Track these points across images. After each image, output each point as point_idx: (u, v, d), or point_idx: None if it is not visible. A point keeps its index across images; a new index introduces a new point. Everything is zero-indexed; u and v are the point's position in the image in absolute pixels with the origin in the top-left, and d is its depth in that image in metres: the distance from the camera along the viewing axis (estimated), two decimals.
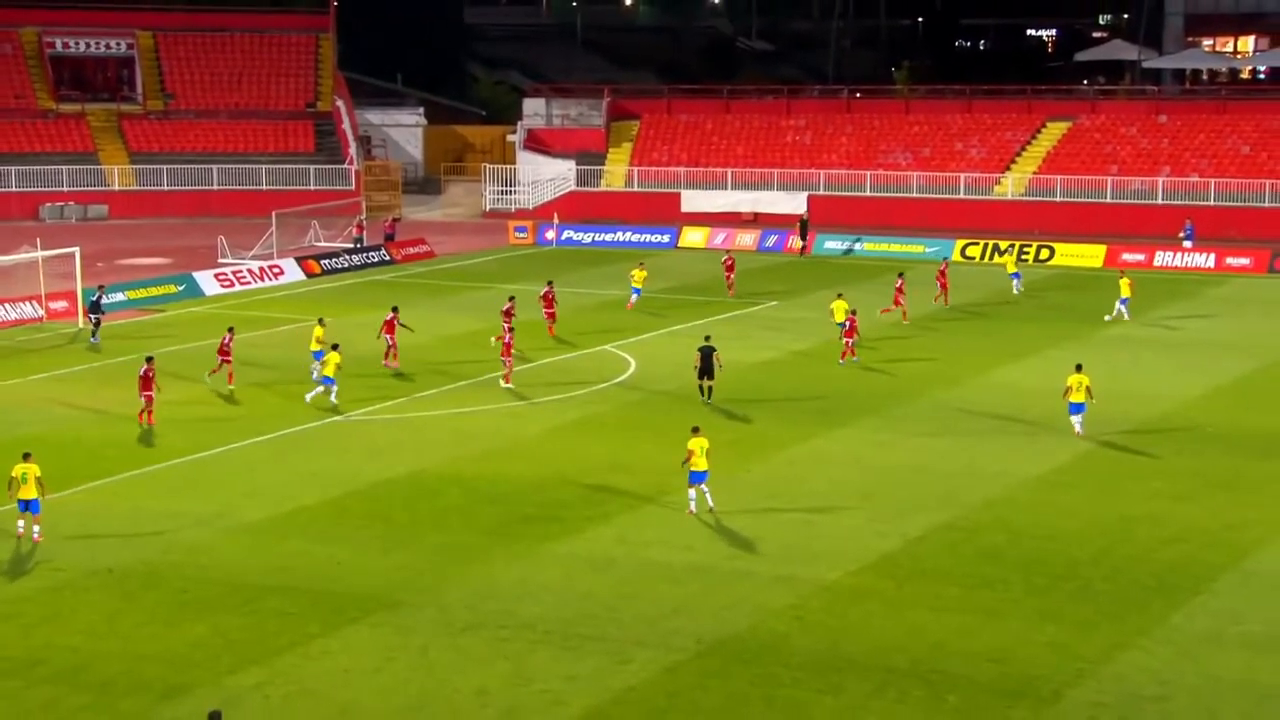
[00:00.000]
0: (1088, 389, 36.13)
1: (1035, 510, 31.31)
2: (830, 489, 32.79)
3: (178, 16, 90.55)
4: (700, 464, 30.36)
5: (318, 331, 42.41)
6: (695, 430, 31.07)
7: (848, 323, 45.42)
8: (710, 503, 30.61)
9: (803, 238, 70.33)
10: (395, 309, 44.93)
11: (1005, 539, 29.44)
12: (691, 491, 30.62)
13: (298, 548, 28.80)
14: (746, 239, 72.99)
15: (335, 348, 40.60)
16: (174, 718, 21.23)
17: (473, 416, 39.34)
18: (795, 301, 56.83)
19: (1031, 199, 77.12)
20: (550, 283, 51.00)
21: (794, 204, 79.27)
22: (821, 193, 79.70)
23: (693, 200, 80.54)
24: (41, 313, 52.43)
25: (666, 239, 73.62)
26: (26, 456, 29.45)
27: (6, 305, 52.11)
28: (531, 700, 22.45)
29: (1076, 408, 36.17)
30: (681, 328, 51.15)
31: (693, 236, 73.43)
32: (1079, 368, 37.02)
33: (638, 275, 53.91)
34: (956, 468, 34.35)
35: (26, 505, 28.99)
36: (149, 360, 38.14)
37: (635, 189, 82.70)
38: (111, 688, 22.69)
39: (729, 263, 57.90)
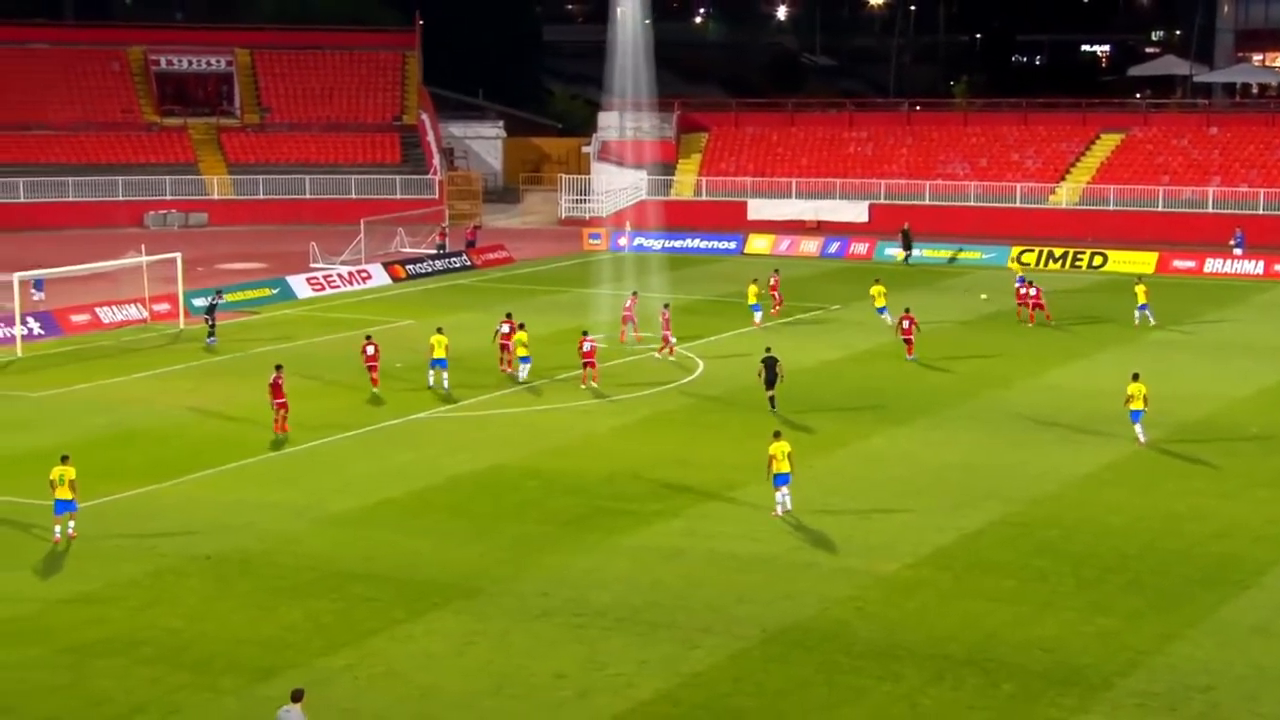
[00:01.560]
0: (1145, 397, 35.46)
1: (1085, 506, 31.03)
2: (887, 485, 32.66)
3: (273, 35, 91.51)
4: (783, 467, 30.08)
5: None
6: (776, 435, 30.76)
7: (906, 322, 45.22)
8: (789, 504, 30.27)
9: (906, 248, 69.45)
10: (509, 315, 44.43)
11: (1057, 534, 29.21)
12: (778, 495, 30.27)
13: (384, 538, 29.07)
14: (810, 245, 72.75)
15: (440, 330, 41.48)
16: (268, 697, 21.49)
17: (547, 414, 39.49)
18: (856, 305, 56.60)
19: (1085, 208, 76.31)
20: (635, 293, 50.71)
21: (855, 212, 78.94)
22: (882, 201, 79.29)
23: (758, 208, 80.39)
24: (145, 314, 53.18)
25: (733, 245, 73.54)
26: (64, 459, 29.06)
27: (113, 307, 52.89)
28: (605, 683, 22.54)
29: (1137, 415, 35.48)
30: (748, 330, 51.06)
31: (758, 243, 73.29)
32: (1136, 376, 36.06)
33: (753, 291, 51.74)
34: (1009, 465, 34.10)
35: (64, 506, 28.56)
36: (278, 369, 37.30)
37: (703, 198, 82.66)
38: (210, 667, 23.00)
39: (775, 283, 56.79)
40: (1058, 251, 67.60)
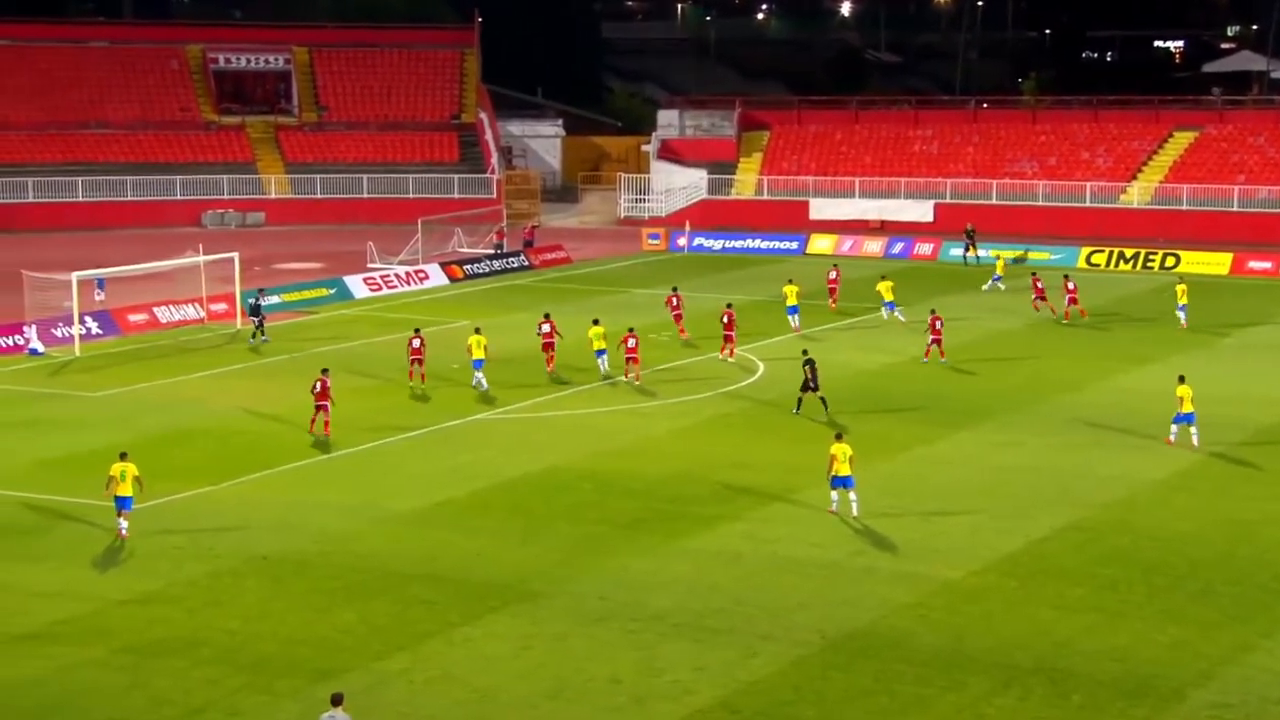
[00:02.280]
0: (1192, 399, 35.26)
1: (1156, 513, 30.73)
2: (952, 489, 32.48)
3: (332, 33, 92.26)
4: (843, 469, 30.10)
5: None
6: (838, 436, 30.81)
7: (938, 322, 45.16)
8: (855, 510, 30.20)
9: (970, 248, 69.19)
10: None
11: (1127, 540, 28.95)
12: (834, 495, 30.39)
13: (441, 538, 29.25)
14: (873, 246, 72.47)
15: (478, 330, 42.09)
16: (325, 699, 21.65)
17: (606, 415, 39.58)
18: (920, 307, 56.32)
19: (1157, 207, 75.54)
20: (675, 288, 50.61)
21: (920, 212, 78.58)
22: (948, 201, 78.89)
23: (821, 208, 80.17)
24: (203, 314, 53.76)
25: (794, 245, 73.38)
26: (124, 456, 29.56)
27: (171, 307, 53.50)
28: (662, 689, 22.56)
29: (1186, 418, 35.31)
30: (808, 331, 50.94)
31: (820, 243, 73.08)
32: (1182, 379, 35.94)
33: (790, 291, 51.03)
34: (1077, 469, 33.84)
35: (123, 503, 28.93)
36: (324, 372, 37.60)
37: (765, 197, 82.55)
38: (267, 669, 23.23)
39: (835, 278, 56.77)
40: (1129, 252, 66.97)
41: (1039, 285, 53.65)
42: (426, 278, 63.31)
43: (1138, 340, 49.48)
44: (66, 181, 79.81)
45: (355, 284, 60.45)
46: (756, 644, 24.04)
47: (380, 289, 60.60)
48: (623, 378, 42.76)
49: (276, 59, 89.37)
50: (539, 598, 26.03)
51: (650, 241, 75.02)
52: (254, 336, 49.66)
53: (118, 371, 45.37)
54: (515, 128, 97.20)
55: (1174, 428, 35.50)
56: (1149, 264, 65.93)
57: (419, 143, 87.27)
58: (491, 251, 69.71)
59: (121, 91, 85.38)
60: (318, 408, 36.87)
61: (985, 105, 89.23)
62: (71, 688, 22.62)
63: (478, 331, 42.85)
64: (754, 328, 51.15)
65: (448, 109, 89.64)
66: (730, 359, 45.75)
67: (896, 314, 51.86)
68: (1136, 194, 76.53)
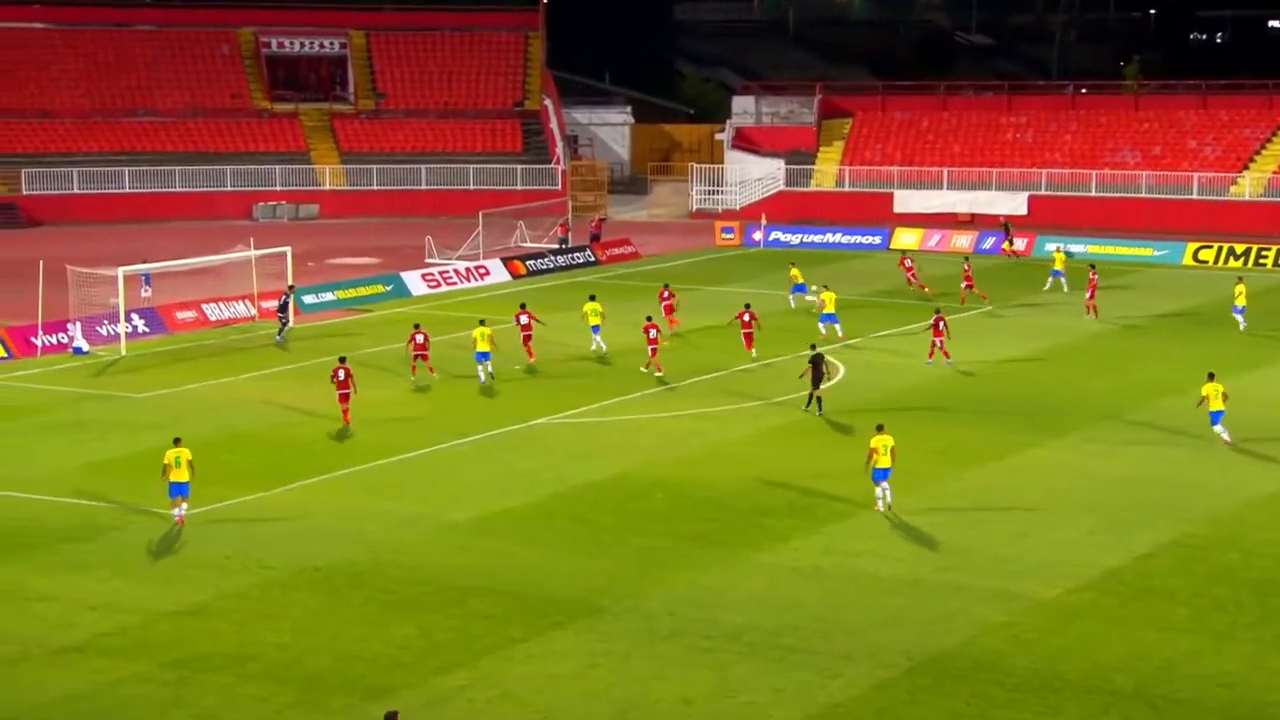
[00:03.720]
0: (1224, 395, 35.75)
1: (1268, 528, 30.28)
2: (1048, 500, 32.19)
3: (389, 16, 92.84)
4: (884, 461, 30.80)
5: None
6: (879, 428, 31.46)
7: (939, 321, 45.11)
8: (889, 499, 31.01)
9: (1010, 242, 69.11)
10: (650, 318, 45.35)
11: (1236, 557, 28.55)
12: (878, 490, 31.13)
13: (502, 549, 29.34)
14: (962, 241, 71.96)
15: (482, 323, 43.41)
16: (379, 717, 21.75)
17: (676, 420, 39.56)
18: (1011, 305, 55.90)
19: (1272, 199, 74.51)
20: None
21: (1013, 204, 77.99)
22: (1043, 193, 78.26)
23: (906, 200, 79.77)
24: (254, 312, 54.25)
25: (878, 240, 73.01)
26: (177, 441, 30.80)
27: (220, 304, 54.03)
28: (736, 713, 22.50)
29: (1217, 416, 35.70)
30: (892, 332, 50.68)
31: (905, 238, 72.66)
32: (1212, 376, 36.30)
33: (828, 298, 50.25)
34: (1183, 481, 33.43)
35: (178, 489, 30.25)
36: (342, 360, 39.19)
37: (846, 189, 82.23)
38: (319, 685, 23.38)
39: (910, 267, 56.79)
40: (1239, 248, 66.09)
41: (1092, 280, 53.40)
42: (487, 274, 63.56)
43: (1248, 342, 48.77)
44: (113, 172, 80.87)
45: (413, 280, 60.81)
46: (837, 665, 23.91)
47: (439, 286, 60.91)
48: (642, 368, 43.80)
49: (332, 43, 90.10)
50: (605, 613, 26.04)
51: (724, 236, 74.92)
52: (280, 333, 50.09)
53: (165, 371, 45.90)
54: (581, 115, 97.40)
55: (1218, 428, 35.81)
56: (1261, 260, 65.01)
57: (480, 131, 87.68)
58: (555, 246, 69.88)
59: (170, 77, 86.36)
60: (342, 396, 38.13)
61: (1084, 90, 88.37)
62: (114, 703, 22.88)
63: (482, 324, 43.97)
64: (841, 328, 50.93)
65: (510, 96, 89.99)
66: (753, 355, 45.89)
67: (807, 296, 53.09)
68: (1248, 186, 75.49)
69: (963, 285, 55.56)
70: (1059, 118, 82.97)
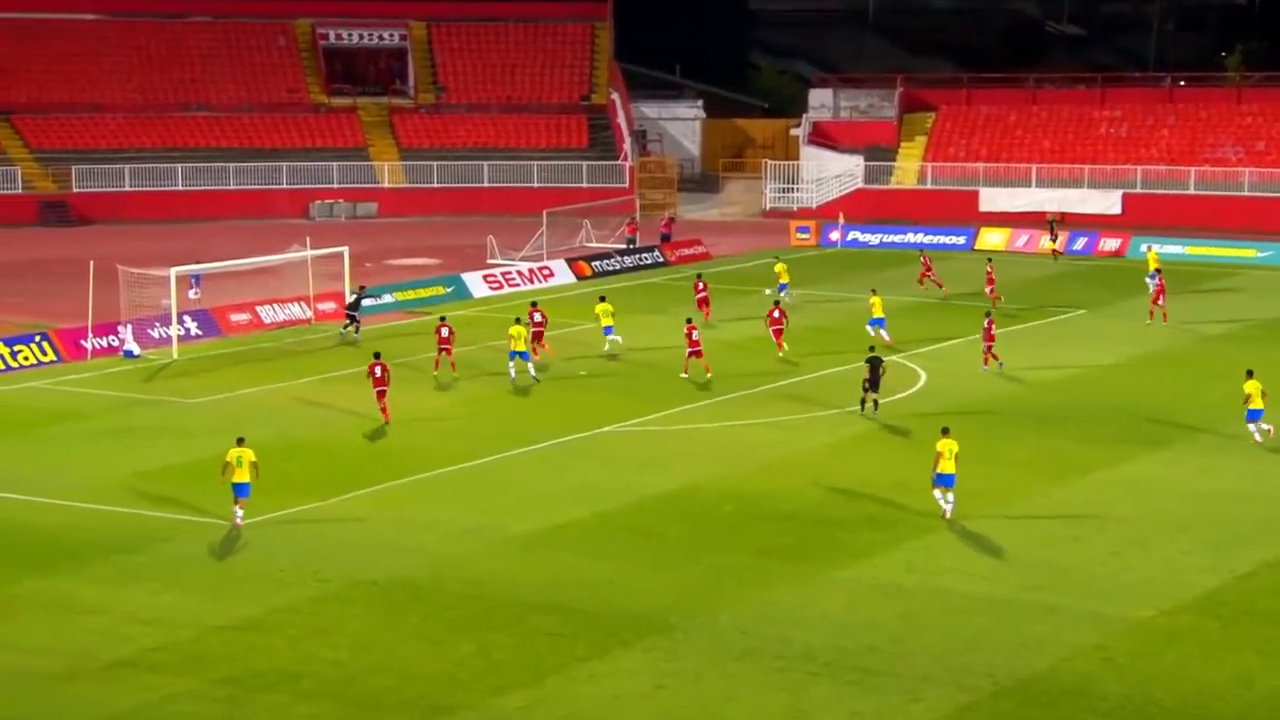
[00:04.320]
0: (1263, 393, 36.37)
1: None
2: (1143, 517, 31.89)
3: (451, 6, 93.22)
4: (948, 467, 31.08)
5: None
6: (945, 431, 31.68)
7: (990, 325, 45.10)
8: (950, 510, 31.24)
9: (1054, 239, 68.68)
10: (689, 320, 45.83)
11: None
12: (937, 494, 31.32)
13: (567, 563, 29.39)
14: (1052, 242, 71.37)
15: (518, 321, 44.35)
16: None
17: (748, 429, 39.50)
18: (1104, 311, 55.44)
19: None
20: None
21: (1106, 203, 77.38)
22: (1138, 191, 77.61)
23: (992, 199, 79.31)
24: (310, 314, 54.66)
25: (962, 241, 72.62)
26: (241, 441, 31.48)
27: (275, 306, 54.47)
28: None
29: (1255, 415, 36.52)
30: (975, 337, 50.35)
31: (991, 238, 72.22)
32: (1250, 374, 36.92)
33: (876, 302, 49.90)
34: None
35: (240, 490, 30.93)
36: (377, 356, 40.01)
37: (928, 186, 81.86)
38: (376, 705, 23.50)
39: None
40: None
41: (1159, 283, 52.86)
42: (552, 275, 63.73)
43: None
44: (164, 169, 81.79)
45: (474, 282, 61.07)
46: (918, 688, 23.78)
47: (501, 287, 61.14)
48: (683, 374, 44.22)
49: (391, 35, 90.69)
50: (674, 631, 26.02)
51: (799, 236, 74.75)
52: (344, 329, 50.82)
53: (218, 376, 46.34)
54: (650, 110, 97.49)
55: (1250, 427, 36.68)
56: None
57: (545, 126, 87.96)
58: (623, 246, 69.96)
59: (224, 71, 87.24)
60: (379, 394, 39.09)
61: (1182, 83, 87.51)
62: None
63: (518, 322, 44.61)
64: (920, 332, 50.74)
65: (577, 89, 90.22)
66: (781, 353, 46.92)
67: (785, 298, 53.44)
68: None
69: (986, 288, 55.43)
70: (1156, 111, 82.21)
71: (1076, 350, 48.70)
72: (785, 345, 47.16)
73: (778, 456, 36.82)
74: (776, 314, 47.30)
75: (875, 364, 40.19)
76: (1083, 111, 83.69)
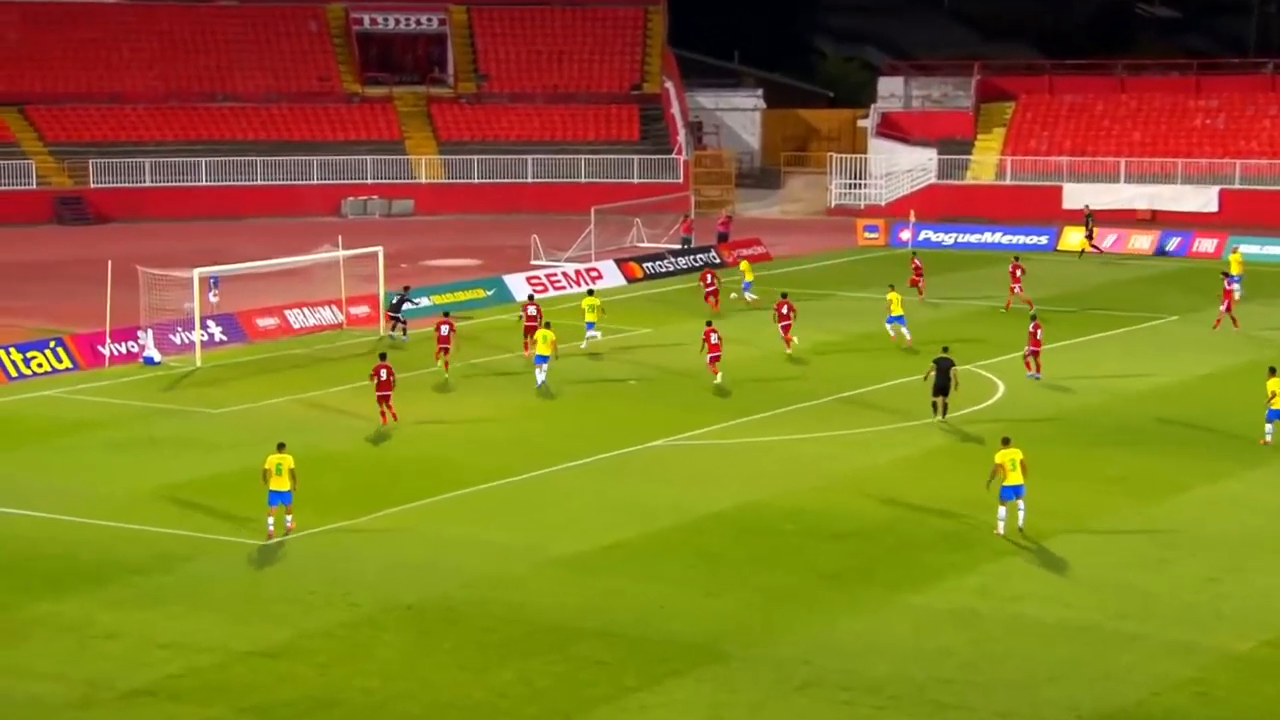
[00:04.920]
0: None
1: None
2: (1243, 540, 31.71)
3: None
4: (1015, 478, 31.21)
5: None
6: (1005, 441, 31.81)
7: (1037, 330, 45.12)
8: (1021, 521, 31.45)
9: (1090, 236, 68.81)
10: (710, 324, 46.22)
11: None
12: (1002, 510, 31.44)
13: (615, 586, 29.45)
14: (1142, 242, 71.13)
15: (548, 325, 45.52)
16: None
17: (810, 443, 39.48)
18: (1196, 317, 55.09)
19: None
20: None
21: (1201, 200, 76.92)
22: (1236, 187, 77.10)
23: (1077, 195, 78.93)
24: (341, 318, 54.95)
25: (1044, 240, 72.37)
26: (281, 447, 32.03)
27: (305, 310, 54.78)
28: None
29: (1275, 414, 37.67)
30: (1061, 345, 50.17)
31: (1075, 238, 71.89)
32: (1273, 371, 37.85)
33: (894, 299, 50.71)
34: None
35: (279, 498, 31.50)
36: (383, 357, 41.11)
37: (1007, 182, 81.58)
38: None
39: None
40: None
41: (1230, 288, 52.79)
42: (600, 277, 63.85)
43: None
44: (188, 163, 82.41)
45: (517, 284, 61.25)
46: None
47: (546, 290, 61.28)
48: (716, 380, 44.76)
49: (430, 20, 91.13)
50: (730, 660, 26.04)
51: (867, 235, 74.64)
52: (393, 329, 51.76)
53: (244, 384, 46.66)
54: (706, 99, 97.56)
55: (1268, 427, 37.72)
56: None
57: (593, 118, 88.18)
58: (677, 246, 70.03)
59: (252, 58, 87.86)
60: (381, 398, 40.03)
61: None
62: None
63: (547, 326, 45.45)
64: (996, 338, 50.58)
65: (627, 78, 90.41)
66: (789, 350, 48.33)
67: (748, 296, 55.10)
68: None
69: (1011, 288, 55.53)
70: (1256, 101, 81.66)
71: (1167, 359, 48.44)
72: (795, 340, 48.48)
73: (842, 472, 36.78)
74: (785, 309, 48.47)
75: (945, 367, 40.37)
76: (1176, 101, 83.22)
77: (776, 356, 48.84)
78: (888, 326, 49.82)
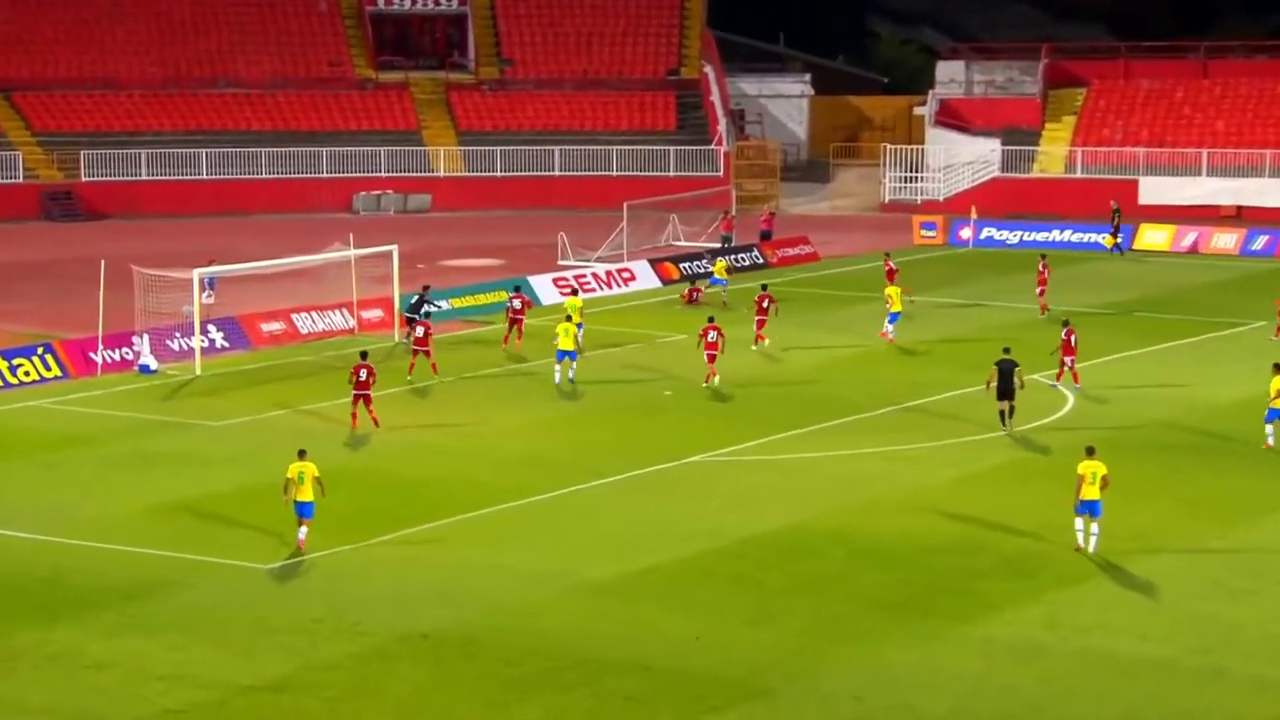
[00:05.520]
0: None
1: None
2: None
3: None
4: (1092, 493, 31.43)
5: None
6: (1089, 452, 32.09)
7: (1070, 336, 45.11)
8: (1093, 545, 31.69)
9: (1115, 232, 68.79)
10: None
11: None
12: (1078, 522, 31.73)
13: (648, 615, 29.45)
14: (1225, 240, 70.85)
15: (569, 318, 46.66)
16: None
17: (861, 459, 39.45)
18: None
19: None
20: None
21: None
22: None
23: (1154, 190, 78.78)
24: (353, 323, 55.07)
25: (1118, 239, 72.05)
26: (302, 454, 32.56)
27: (314, 314, 54.89)
28: None
29: (1275, 414, 38.78)
30: (1136, 353, 50.03)
31: (1153, 237, 71.75)
32: (1277, 368, 38.90)
33: (893, 294, 51.99)
34: None
35: (303, 510, 32.13)
36: (364, 356, 42.28)
37: (1078, 175, 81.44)
38: None
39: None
40: None
41: None
42: (633, 279, 63.90)
43: None
44: (188, 154, 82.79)
45: (543, 286, 61.32)
46: None
47: (574, 293, 61.28)
48: (703, 383, 45.65)
49: (449, 0, 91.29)
50: (774, 696, 26.03)
51: (923, 233, 74.56)
52: (407, 336, 51.57)
53: (247, 395, 46.82)
54: (749, 85, 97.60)
55: (1268, 428, 38.90)
56: None
57: (625, 105, 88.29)
58: (716, 245, 70.04)
59: (257, 41, 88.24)
60: (358, 398, 41.43)
61: None
62: None
63: (569, 319, 46.21)
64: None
65: (663, 62, 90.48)
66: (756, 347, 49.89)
67: (722, 292, 57.12)
68: None
69: (1040, 290, 55.98)
70: None
71: (1252, 369, 48.08)
72: (766, 340, 50.57)
73: (896, 492, 36.73)
74: (765, 303, 50.36)
75: (1007, 369, 40.49)
76: (1265, 86, 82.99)
77: (826, 364, 48.78)
78: (887, 326, 51.21)
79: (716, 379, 45.91)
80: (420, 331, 47.20)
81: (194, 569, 31.97)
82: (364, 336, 54.02)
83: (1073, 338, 45.05)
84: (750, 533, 33.92)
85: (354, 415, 41.90)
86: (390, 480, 38.14)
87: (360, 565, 32.18)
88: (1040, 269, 56.68)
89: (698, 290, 58.57)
